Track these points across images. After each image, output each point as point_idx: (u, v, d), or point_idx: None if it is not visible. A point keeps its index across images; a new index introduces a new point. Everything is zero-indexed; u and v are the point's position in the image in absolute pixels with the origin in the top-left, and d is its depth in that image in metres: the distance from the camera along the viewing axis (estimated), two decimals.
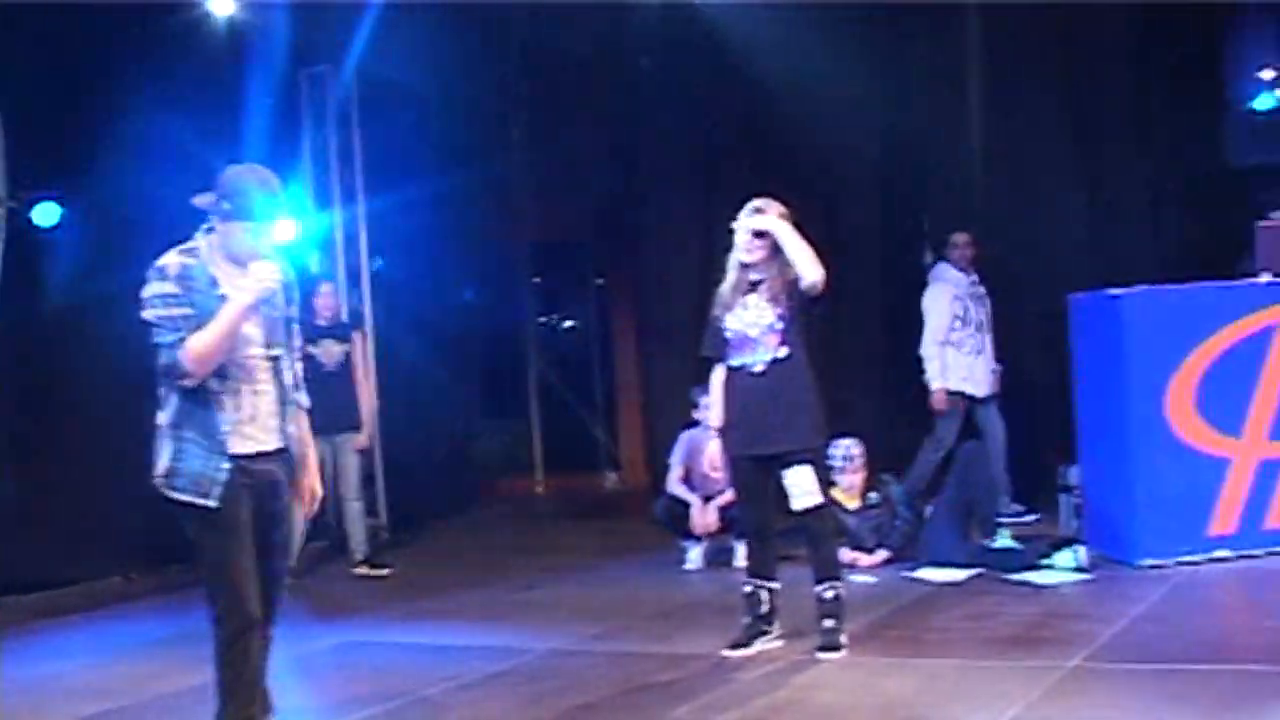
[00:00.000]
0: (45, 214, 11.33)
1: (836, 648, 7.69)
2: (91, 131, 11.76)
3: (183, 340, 5.99)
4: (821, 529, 7.83)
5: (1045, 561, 9.57)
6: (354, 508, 11.86)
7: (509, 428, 16.96)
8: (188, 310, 6.07)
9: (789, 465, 7.67)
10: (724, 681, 7.52)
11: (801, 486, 7.66)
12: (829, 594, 7.76)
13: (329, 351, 11.67)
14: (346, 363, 11.76)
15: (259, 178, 6.38)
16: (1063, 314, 10.56)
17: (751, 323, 7.71)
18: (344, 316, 12.23)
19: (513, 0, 13.88)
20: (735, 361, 7.82)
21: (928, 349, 11.48)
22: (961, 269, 11.74)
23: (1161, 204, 12.41)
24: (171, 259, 6.22)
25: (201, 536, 6.10)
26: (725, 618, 8.48)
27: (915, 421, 12.93)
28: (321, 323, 11.73)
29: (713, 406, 8.05)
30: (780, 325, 7.66)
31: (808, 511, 7.71)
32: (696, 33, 13.16)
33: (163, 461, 6.24)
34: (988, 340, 11.76)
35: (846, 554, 10.13)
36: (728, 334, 7.81)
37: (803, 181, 13.00)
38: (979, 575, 9.59)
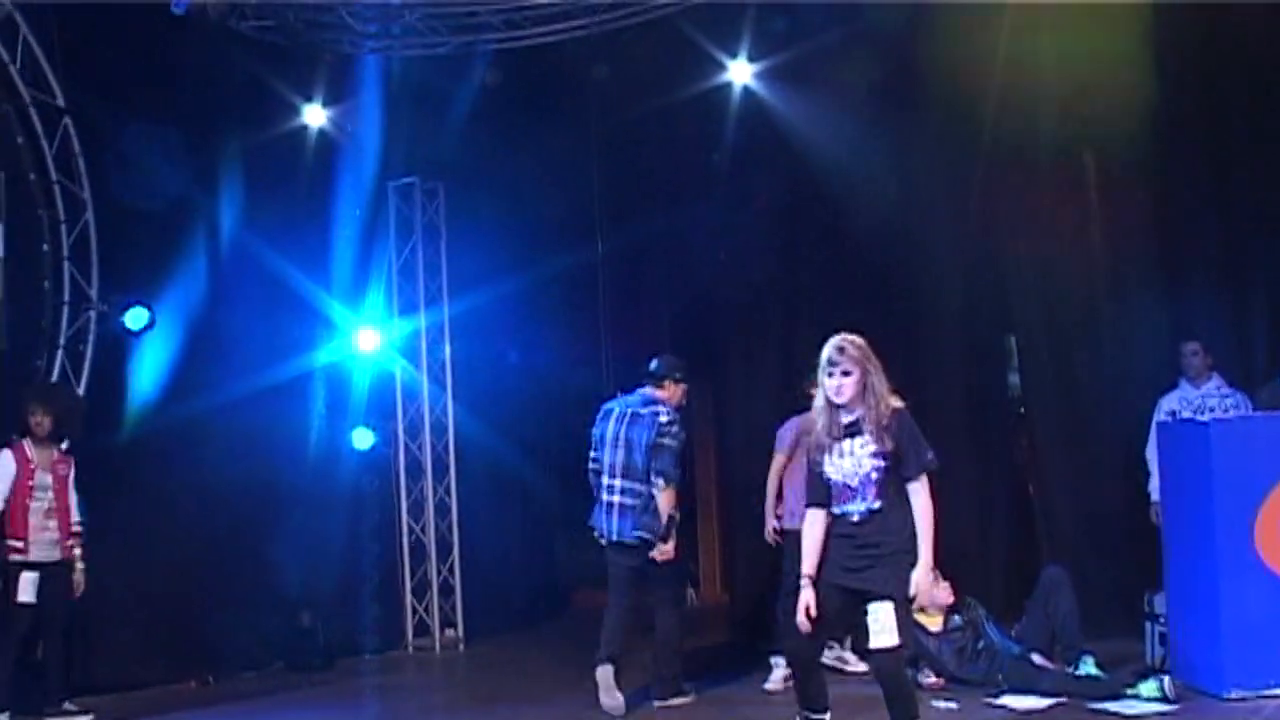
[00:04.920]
0: (135, 318, 11.46)
1: None
2: (182, 238, 12.00)
3: None
4: (894, 671, 7.52)
5: (1130, 691, 9.40)
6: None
7: (587, 539, 16.88)
8: None
9: (873, 600, 7.43)
10: None
11: (882, 623, 7.38)
12: None
13: None
14: None
15: None
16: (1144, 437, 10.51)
17: (851, 472, 7.50)
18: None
19: (595, 113, 14.05)
20: (836, 510, 7.59)
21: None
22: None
23: (1248, 339, 12.24)
24: None
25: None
26: None
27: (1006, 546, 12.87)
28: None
29: (806, 554, 7.70)
30: (877, 475, 7.46)
31: (881, 651, 7.43)
32: (776, 143, 13.19)
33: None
34: None
35: (929, 677, 10.04)
36: (827, 480, 7.59)
37: (883, 291, 12.99)
38: (1062, 703, 9.44)
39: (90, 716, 10.43)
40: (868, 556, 7.46)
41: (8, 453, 10.47)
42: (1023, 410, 13.45)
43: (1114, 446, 12.26)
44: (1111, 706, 9.23)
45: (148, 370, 11.73)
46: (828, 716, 7.80)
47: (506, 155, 13.65)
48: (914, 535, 7.50)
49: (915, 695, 7.71)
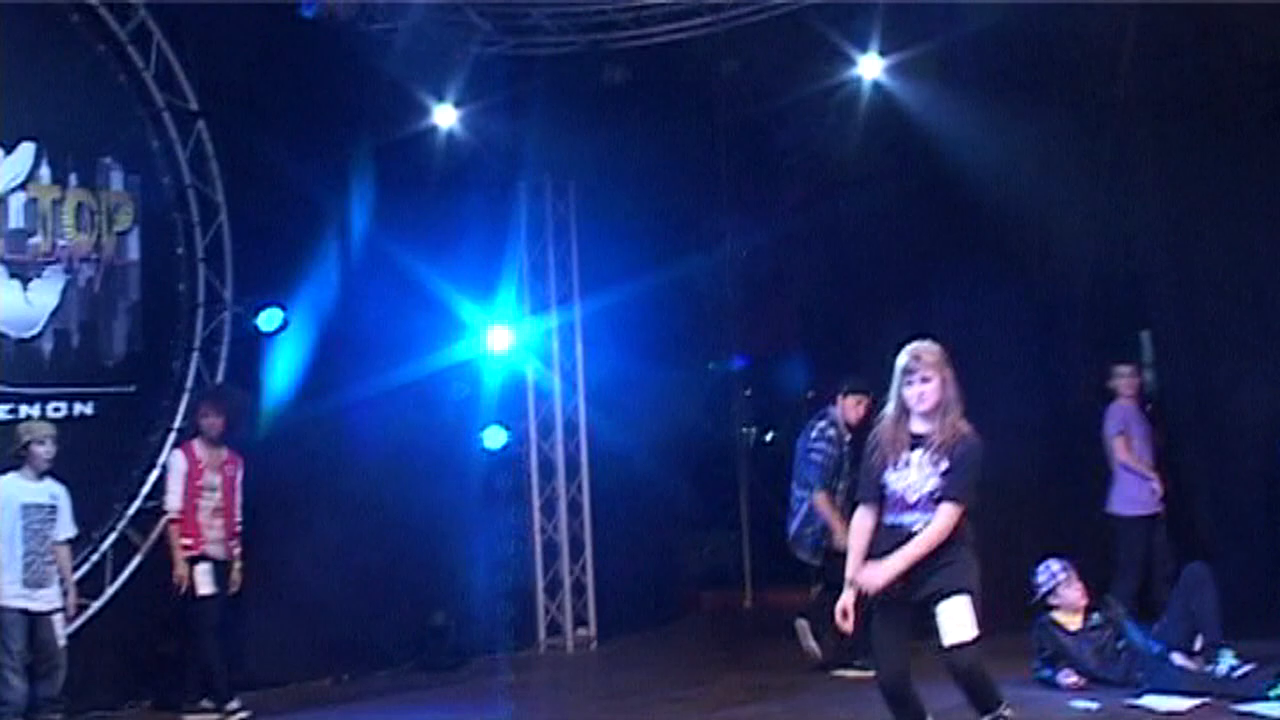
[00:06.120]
0: (269, 319, 11.56)
1: None
2: (315, 239, 12.07)
3: None
4: (972, 666, 7.16)
5: (1274, 692, 9.18)
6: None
7: (717, 539, 16.86)
8: None
9: (943, 599, 7.17)
10: None
11: (955, 619, 7.13)
12: None
13: None
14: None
15: None
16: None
17: (914, 486, 7.26)
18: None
19: (723, 110, 14.01)
20: (891, 520, 7.34)
21: None
22: None
23: None
24: None
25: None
26: None
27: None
28: None
29: (852, 554, 7.45)
30: (940, 494, 7.20)
31: (956, 647, 7.14)
32: (906, 139, 13.06)
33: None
34: None
35: (1068, 677, 9.90)
36: (887, 490, 7.35)
37: (1015, 286, 12.85)
38: (1204, 704, 9.23)
39: (217, 717, 10.55)
40: (927, 565, 7.20)
41: (178, 452, 10.89)
42: (1153, 406, 13.22)
43: (1253, 443, 11.99)
44: (1255, 707, 9.01)
45: (281, 371, 11.84)
46: None
47: (636, 153, 13.61)
48: (970, 552, 7.30)
49: (994, 684, 7.32)
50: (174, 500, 10.70)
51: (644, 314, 14.08)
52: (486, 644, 13.17)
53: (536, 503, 13.88)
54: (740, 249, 15.72)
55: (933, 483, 7.22)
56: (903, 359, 7.37)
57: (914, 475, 7.28)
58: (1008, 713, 7.25)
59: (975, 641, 7.15)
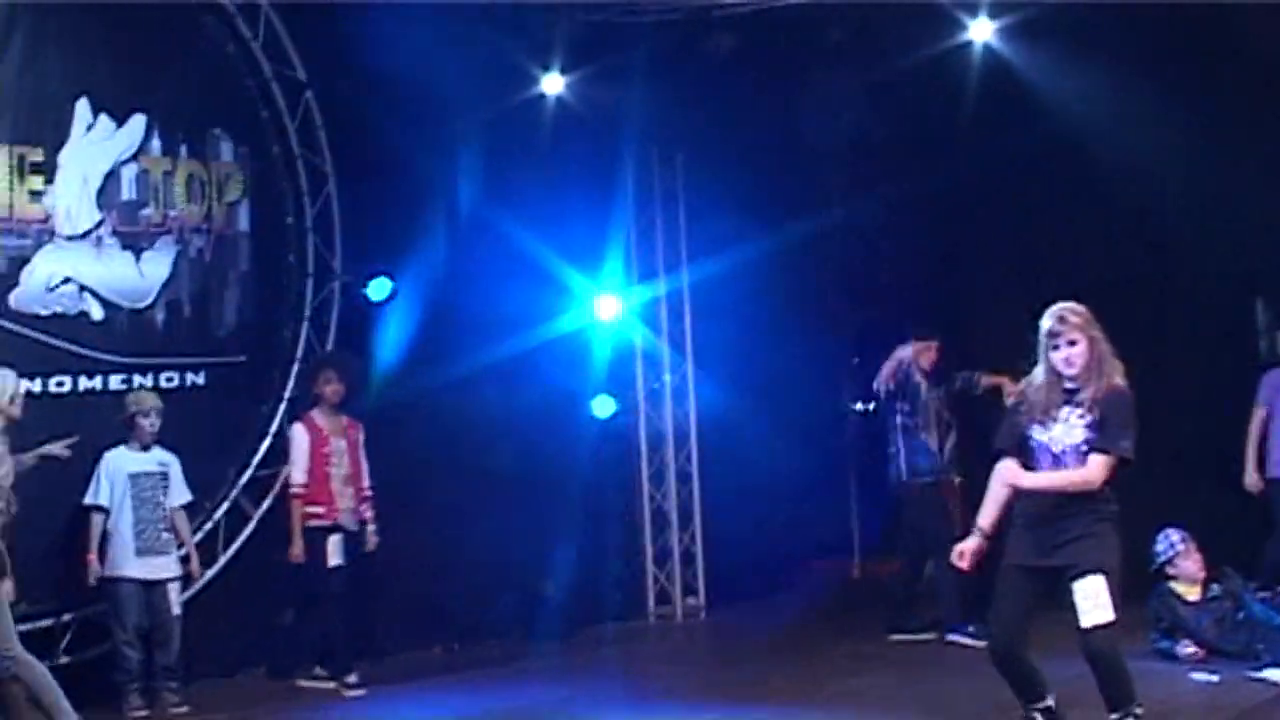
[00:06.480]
0: (378, 289, 11.58)
1: None
2: (422, 208, 12.07)
3: None
4: (1109, 652, 7.01)
5: None
6: None
7: (826, 508, 16.73)
8: None
9: (1080, 576, 7.01)
10: None
11: (1093, 599, 6.95)
12: None
13: None
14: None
15: None
16: None
17: (1058, 438, 7.15)
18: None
19: (832, 77, 13.85)
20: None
21: None
22: None
23: None
24: None
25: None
26: None
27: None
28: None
29: (986, 504, 7.40)
30: (1086, 448, 7.07)
31: (1094, 629, 6.97)
32: (1019, 103, 12.88)
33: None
34: None
35: (1187, 648, 9.76)
36: (1032, 443, 7.24)
37: (1127, 251, 12.70)
38: None
39: (333, 686, 10.58)
40: (1066, 532, 7.08)
41: (299, 425, 10.83)
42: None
43: None
44: None
45: (390, 340, 11.85)
46: (1051, 700, 7.33)
47: (744, 121, 13.51)
48: (1113, 528, 7.14)
49: (1131, 677, 7.13)
50: (298, 474, 10.68)
51: (752, 283, 13.98)
52: (596, 614, 13.17)
53: (645, 472, 13.86)
54: (851, 216, 15.55)
55: (1079, 434, 7.10)
56: (1047, 322, 7.22)
57: (1058, 429, 7.16)
58: (1139, 711, 7.05)
59: (1113, 624, 6.97)
